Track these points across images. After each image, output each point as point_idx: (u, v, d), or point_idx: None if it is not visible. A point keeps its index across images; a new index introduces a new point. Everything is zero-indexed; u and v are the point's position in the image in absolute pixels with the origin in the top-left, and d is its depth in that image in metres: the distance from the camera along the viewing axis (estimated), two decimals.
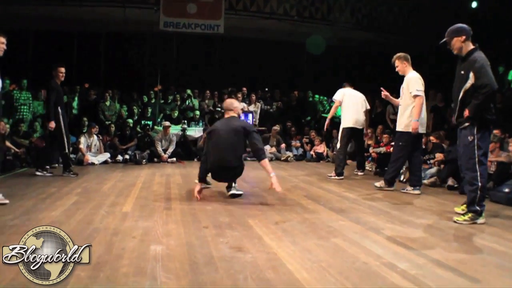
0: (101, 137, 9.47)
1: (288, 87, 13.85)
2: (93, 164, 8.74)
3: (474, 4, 12.25)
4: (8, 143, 7.58)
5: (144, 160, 9.22)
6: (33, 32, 12.77)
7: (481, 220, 4.01)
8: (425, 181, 6.68)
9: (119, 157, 9.41)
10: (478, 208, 3.99)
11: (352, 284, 2.39)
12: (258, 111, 11.78)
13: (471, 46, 4.12)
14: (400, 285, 2.39)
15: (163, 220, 3.84)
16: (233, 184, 5.17)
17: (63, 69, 7.01)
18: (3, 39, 4.73)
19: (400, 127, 5.76)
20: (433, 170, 6.86)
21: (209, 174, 5.24)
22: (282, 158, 10.36)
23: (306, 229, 3.58)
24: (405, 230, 3.66)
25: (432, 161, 7.07)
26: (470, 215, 4.01)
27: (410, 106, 5.59)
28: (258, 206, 4.58)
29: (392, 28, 13.49)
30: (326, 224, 3.76)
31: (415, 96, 5.53)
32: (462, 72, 4.11)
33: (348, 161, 9.56)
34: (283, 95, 13.08)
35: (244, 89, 12.34)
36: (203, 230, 3.49)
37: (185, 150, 10.19)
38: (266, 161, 4.83)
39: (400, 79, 5.90)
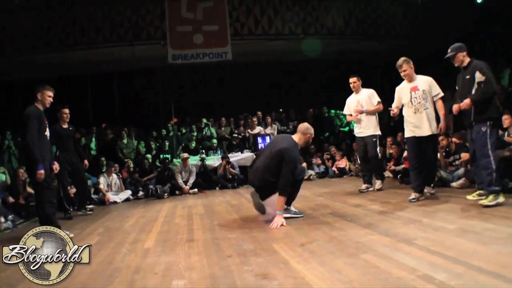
0: (120, 175, 9.48)
1: (302, 105, 13.74)
2: (115, 202, 8.74)
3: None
4: (29, 189, 7.62)
5: (165, 194, 9.19)
6: (46, 79, 13.00)
7: (501, 199, 4.60)
8: (453, 184, 6.50)
9: (141, 193, 9.40)
10: (496, 188, 4.62)
11: None
12: (275, 133, 11.67)
13: (469, 58, 4.96)
14: None
15: (185, 253, 3.73)
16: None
17: (67, 110, 7.22)
18: (50, 93, 5.29)
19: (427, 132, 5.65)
20: (460, 171, 6.62)
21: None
22: (305, 178, 10.17)
23: (334, 248, 3.41)
24: (439, 237, 3.44)
25: (458, 162, 6.83)
26: (491, 196, 4.61)
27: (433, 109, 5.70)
28: (283, 229, 4.41)
29: (399, 34, 13.33)
30: (354, 241, 3.58)
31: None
32: (468, 76, 4.87)
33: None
34: (298, 114, 12.98)
35: (259, 113, 12.30)
36: (227, 260, 3.35)
37: (206, 179, 10.13)
38: (280, 198, 4.69)
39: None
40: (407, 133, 5.79)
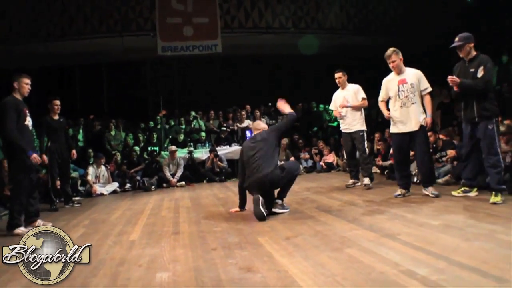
0: (108, 167, 9.42)
1: (291, 99, 13.71)
2: (102, 194, 8.69)
3: None
4: None
5: (153, 187, 9.16)
6: (34, 70, 12.84)
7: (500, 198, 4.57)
8: (439, 180, 6.54)
9: (128, 185, 9.35)
10: (503, 186, 4.67)
11: None
12: None
13: (475, 52, 4.87)
14: None
15: (170, 246, 3.72)
16: (278, 201, 5.00)
17: (58, 102, 7.14)
18: (27, 80, 5.18)
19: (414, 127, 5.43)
20: (446, 168, 6.69)
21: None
22: None
23: (318, 242, 3.42)
24: (423, 233, 3.48)
25: (444, 158, 6.89)
26: (500, 195, 4.58)
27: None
28: (268, 223, 4.42)
29: (390, 30, 13.38)
30: (339, 235, 3.60)
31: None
32: (472, 70, 4.78)
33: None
34: None
35: (248, 106, 12.29)
36: (211, 253, 3.35)
37: (194, 172, 10.11)
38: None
39: None
40: (392, 129, 5.64)
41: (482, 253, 2.81)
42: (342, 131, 7.17)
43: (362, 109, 6.98)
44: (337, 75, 7.07)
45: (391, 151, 7.98)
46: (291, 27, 12.91)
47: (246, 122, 11.49)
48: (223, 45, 12.31)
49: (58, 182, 7.51)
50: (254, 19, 12.75)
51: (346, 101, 6.93)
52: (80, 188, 8.86)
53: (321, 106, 13.21)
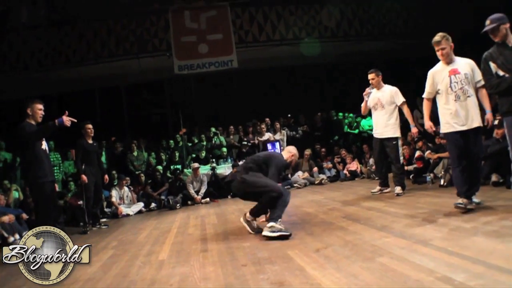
0: (132, 188, 9.52)
1: (310, 109, 13.69)
2: (128, 215, 8.77)
3: None
4: None
5: (178, 205, 9.21)
6: (55, 95, 13.13)
7: None
8: None
9: (153, 204, 9.43)
10: None
11: None
12: (285, 139, 11.64)
13: None
14: None
15: (200, 264, 3.71)
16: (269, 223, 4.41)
17: (90, 126, 7.39)
18: (40, 106, 5.27)
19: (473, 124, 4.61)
20: None
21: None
22: (316, 182, 10.15)
23: (349, 252, 3.37)
24: (456, 237, 3.39)
25: None
26: None
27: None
28: (297, 235, 4.35)
29: (404, 33, 13.27)
30: (369, 244, 3.54)
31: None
32: None
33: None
34: (307, 119, 12.94)
35: (267, 119, 12.28)
36: (242, 269, 3.32)
37: (218, 188, 10.12)
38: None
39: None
40: (446, 128, 4.70)
41: None
42: (374, 135, 6.89)
43: (398, 113, 6.64)
44: (370, 76, 6.78)
45: (417, 154, 7.89)
46: (305, 37, 12.92)
47: (267, 135, 11.45)
48: (238, 60, 12.37)
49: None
50: (268, 32, 12.79)
51: (381, 102, 6.65)
52: (106, 209, 8.95)
53: (340, 114, 13.13)
